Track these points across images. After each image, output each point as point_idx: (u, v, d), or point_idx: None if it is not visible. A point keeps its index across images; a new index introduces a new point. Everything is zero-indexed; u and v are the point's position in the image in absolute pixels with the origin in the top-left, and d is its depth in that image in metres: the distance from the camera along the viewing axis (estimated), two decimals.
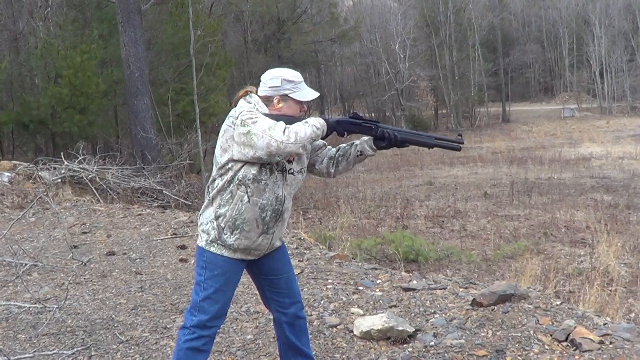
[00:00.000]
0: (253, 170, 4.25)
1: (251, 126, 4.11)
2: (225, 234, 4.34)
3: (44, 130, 25.81)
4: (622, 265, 13.31)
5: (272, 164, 4.27)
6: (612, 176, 26.43)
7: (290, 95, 4.41)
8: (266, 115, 4.30)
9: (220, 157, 4.34)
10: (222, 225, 4.34)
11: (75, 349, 6.07)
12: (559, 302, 6.42)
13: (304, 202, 23.32)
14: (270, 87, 4.41)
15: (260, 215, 4.33)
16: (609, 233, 15.57)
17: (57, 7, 30.28)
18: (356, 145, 4.66)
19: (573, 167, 29.94)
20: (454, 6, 66.29)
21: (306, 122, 4.26)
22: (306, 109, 4.54)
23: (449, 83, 64.22)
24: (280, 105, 4.41)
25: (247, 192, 4.27)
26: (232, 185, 4.29)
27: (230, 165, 4.28)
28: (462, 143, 4.70)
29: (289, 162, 4.41)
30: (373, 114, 67.58)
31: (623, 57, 73.74)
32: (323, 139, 4.53)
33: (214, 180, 4.40)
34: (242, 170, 4.25)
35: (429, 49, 68.02)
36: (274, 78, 4.42)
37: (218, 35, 30.25)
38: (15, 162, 18.61)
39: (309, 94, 4.49)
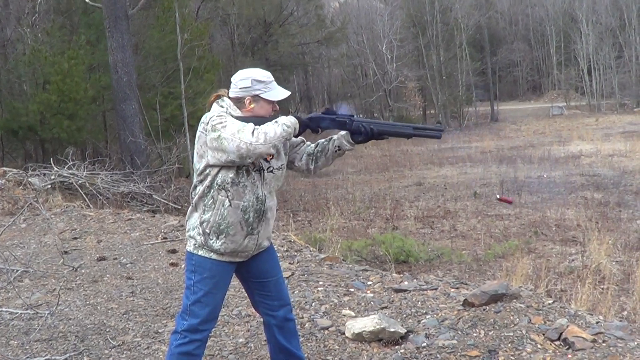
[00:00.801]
0: (230, 174, 4.29)
1: (221, 130, 4.15)
2: (212, 239, 4.37)
3: (33, 136, 25.74)
4: (614, 263, 13.33)
5: (248, 165, 4.30)
6: (602, 174, 26.47)
7: (261, 95, 4.44)
8: (238, 117, 4.34)
9: (197, 163, 4.39)
10: (207, 230, 4.38)
11: (67, 355, 6.08)
12: (550, 301, 6.44)
13: (293, 205, 23.32)
14: (240, 89, 4.45)
15: (244, 218, 4.36)
16: (599, 231, 15.60)
17: (45, 13, 30.23)
18: (334, 140, 4.66)
19: (563, 165, 29.99)
20: (441, 6, 66.40)
21: (276, 121, 4.27)
22: (278, 109, 4.54)
23: (437, 83, 64.29)
24: (252, 105, 4.44)
25: (227, 196, 4.31)
26: (212, 190, 4.34)
27: (207, 170, 4.33)
28: (442, 130, 4.66)
29: (267, 160, 4.43)
30: (361, 115, 67.48)
31: (611, 54, 73.82)
32: (296, 136, 4.54)
33: (195, 186, 4.44)
34: (220, 174, 4.30)
35: (416, 49, 68.13)
36: (244, 79, 4.45)
37: (205, 38, 30.23)
38: (4, 168, 18.57)
39: (280, 93, 4.52)
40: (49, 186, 17.28)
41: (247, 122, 4.23)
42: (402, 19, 68.32)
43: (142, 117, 22.95)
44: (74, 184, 17.45)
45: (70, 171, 17.98)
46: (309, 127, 4.62)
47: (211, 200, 4.35)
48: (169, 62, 28.32)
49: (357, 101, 68.67)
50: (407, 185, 27.68)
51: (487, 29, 79.87)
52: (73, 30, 28.94)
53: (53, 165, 18.23)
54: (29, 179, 17.43)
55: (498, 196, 22.23)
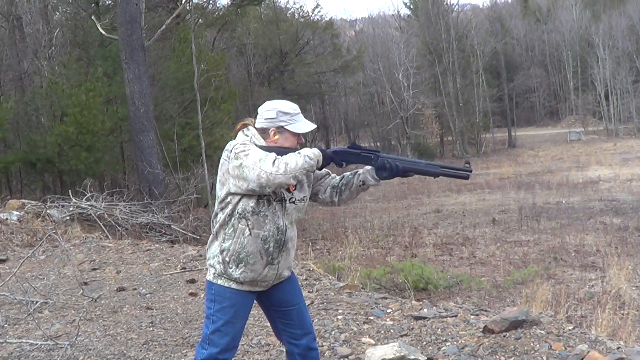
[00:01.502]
0: (251, 203, 4.28)
1: (243, 159, 4.16)
2: (231, 268, 4.36)
3: (51, 168, 25.84)
4: (634, 288, 13.27)
5: (269, 195, 4.29)
6: (620, 199, 26.38)
7: (286, 127, 4.43)
8: (262, 147, 4.32)
9: (219, 190, 4.39)
10: (227, 259, 4.37)
11: None
12: (571, 327, 6.41)
13: (312, 233, 23.31)
14: (266, 119, 4.43)
15: (263, 247, 4.35)
16: (619, 256, 15.54)
17: (61, 46, 30.47)
18: (359, 174, 4.63)
19: (581, 190, 29.90)
20: (457, 33, 66.57)
21: (299, 152, 4.25)
22: (303, 141, 4.52)
23: (454, 110, 64.30)
24: (277, 137, 4.43)
25: (247, 225, 4.30)
26: (233, 218, 4.33)
27: (229, 198, 4.33)
28: (470, 171, 4.60)
29: (289, 191, 4.42)
30: (378, 143, 67.65)
31: (628, 79, 73.68)
32: (320, 169, 4.51)
33: (217, 214, 4.43)
34: (241, 203, 4.30)
35: (433, 76, 68.16)
36: (269, 110, 4.44)
37: (221, 69, 30.35)
38: (23, 200, 18.65)
39: (305, 126, 4.51)
40: (68, 218, 17.33)
41: (270, 152, 4.23)
42: (418, 46, 68.40)
43: (159, 148, 23.03)
44: (93, 215, 17.50)
45: (88, 202, 18.04)
46: (333, 160, 4.57)
47: (232, 229, 4.34)
48: (185, 92, 28.45)
49: (374, 129, 68.75)
50: (425, 212, 27.64)
51: (504, 55, 79.85)
52: (90, 63, 29.12)
53: (71, 196, 18.29)
54: (48, 211, 17.49)
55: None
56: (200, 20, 36.12)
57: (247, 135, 4.45)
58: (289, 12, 60.90)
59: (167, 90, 29.36)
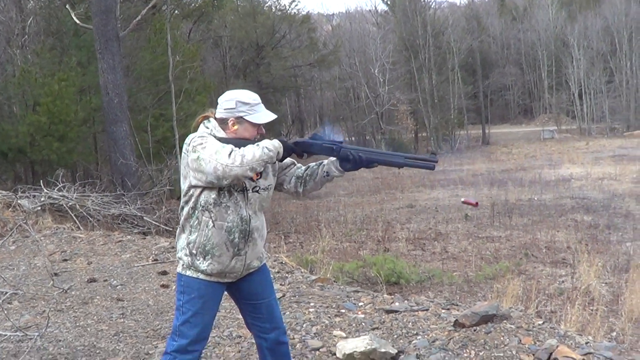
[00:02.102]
0: (213, 195, 4.27)
1: (200, 152, 4.14)
2: (198, 260, 4.35)
3: (22, 158, 25.64)
4: (603, 284, 13.37)
5: (231, 186, 4.27)
6: (592, 197, 26.56)
7: (245, 117, 4.39)
8: (221, 139, 4.30)
9: (182, 184, 4.38)
10: (194, 251, 4.36)
11: None
12: (540, 322, 6.43)
13: (285, 227, 23.31)
14: (225, 110, 4.41)
15: (228, 238, 4.33)
16: (589, 253, 15.63)
17: (35, 35, 30.24)
18: (323, 165, 4.60)
19: (553, 188, 30.04)
20: (433, 30, 66.81)
21: (257, 144, 4.21)
22: (264, 132, 4.49)
23: (429, 106, 64.54)
24: (235, 127, 4.40)
25: (211, 217, 4.29)
26: (197, 211, 4.32)
27: (191, 191, 4.32)
28: (436, 162, 4.51)
29: (252, 180, 4.39)
30: (353, 138, 67.84)
31: (602, 79, 74.28)
32: (280, 160, 4.48)
33: (182, 207, 4.42)
34: (203, 195, 4.28)
35: (409, 72, 68.37)
36: (228, 100, 4.41)
37: (197, 60, 30.24)
38: None
39: (265, 117, 4.45)
40: (39, 208, 17.21)
41: (229, 143, 4.22)
42: (395, 42, 68.59)
43: (133, 139, 22.91)
44: (64, 205, 17.39)
45: (60, 193, 17.93)
46: (294, 151, 4.54)
47: (196, 221, 4.34)
48: (160, 84, 28.31)
49: (349, 124, 68.84)
50: (398, 207, 27.70)
51: (479, 53, 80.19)
52: (63, 52, 28.91)
53: (43, 187, 18.18)
54: (19, 201, 17.36)
55: (463, 199, 22.35)
56: (176, 11, 35.95)
57: (207, 128, 4.43)
58: (266, 5, 60.91)
59: (141, 81, 29.24)
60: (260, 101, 4.47)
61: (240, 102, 4.39)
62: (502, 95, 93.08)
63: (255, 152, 4.12)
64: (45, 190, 17.93)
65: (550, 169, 38.90)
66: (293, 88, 63.02)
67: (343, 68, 68.18)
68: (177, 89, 24.00)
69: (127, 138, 22.05)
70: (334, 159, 4.53)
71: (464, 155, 56.23)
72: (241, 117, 4.39)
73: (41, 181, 18.97)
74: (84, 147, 27.75)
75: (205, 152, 4.12)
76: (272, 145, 4.25)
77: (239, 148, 4.16)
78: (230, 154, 4.08)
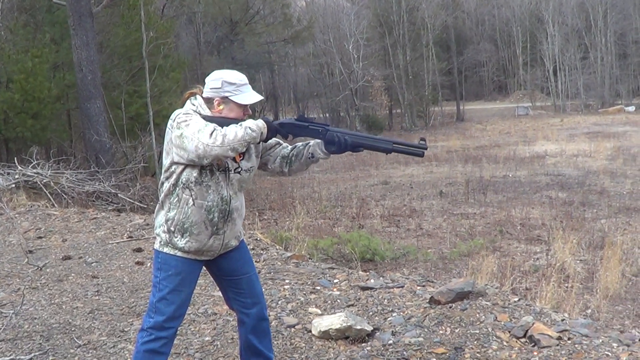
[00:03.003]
0: (194, 173, 4.25)
1: (184, 129, 4.12)
2: (176, 237, 4.35)
3: None
4: (578, 262, 13.45)
5: (212, 165, 4.26)
6: (566, 174, 26.68)
7: (231, 97, 4.36)
8: (205, 117, 4.29)
9: (165, 159, 4.36)
10: (172, 228, 4.35)
11: (32, 354, 6.03)
12: (516, 299, 6.48)
13: (259, 203, 23.29)
14: (211, 89, 4.38)
15: (208, 217, 4.32)
16: (564, 230, 15.71)
17: (8, 11, 29.96)
18: (309, 146, 4.55)
19: (528, 165, 30.18)
20: (407, 5, 66.64)
21: (240, 124, 4.18)
22: (250, 112, 4.46)
23: (403, 82, 64.54)
24: (221, 107, 4.38)
25: (191, 195, 4.28)
26: (177, 188, 4.30)
27: (173, 168, 4.30)
28: (425, 148, 4.42)
29: (235, 161, 4.39)
30: (327, 115, 67.73)
31: (576, 55, 74.49)
32: (265, 141, 4.44)
33: (162, 183, 4.40)
34: (185, 173, 4.26)
35: (383, 48, 68.31)
36: (215, 80, 4.38)
37: (170, 37, 30.10)
38: None
39: (251, 97, 4.41)
40: (13, 185, 17.16)
41: (213, 122, 4.19)
42: (369, 18, 68.41)
43: (107, 116, 22.83)
44: (39, 183, 17.34)
45: (34, 170, 17.87)
46: (279, 132, 4.48)
47: (176, 199, 4.32)
48: (134, 60, 28.16)
49: (323, 100, 68.75)
50: (373, 184, 27.73)
51: (454, 29, 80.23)
52: (37, 28, 28.65)
53: (17, 164, 18.11)
54: None
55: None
56: None
57: (193, 105, 4.40)
58: None
59: (115, 58, 29.06)
60: (247, 82, 4.44)
61: (226, 82, 4.36)
62: (476, 72, 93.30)
63: (237, 132, 4.09)
64: (19, 168, 17.87)
65: (525, 145, 39.04)
66: (267, 64, 62.72)
67: (317, 44, 67.94)
68: (151, 65, 23.89)
69: (101, 115, 21.98)
70: (319, 141, 4.50)
71: (438, 131, 56.40)
72: (227, 97, 4.36)
73: (15, 158, 18.90)
74: (57, 124, 27.59)
75: (189, 130, 4.10)
76: (256, 125, 4.22)
77: (222, 127, 4.13)
78: (212, 133, 4.05)
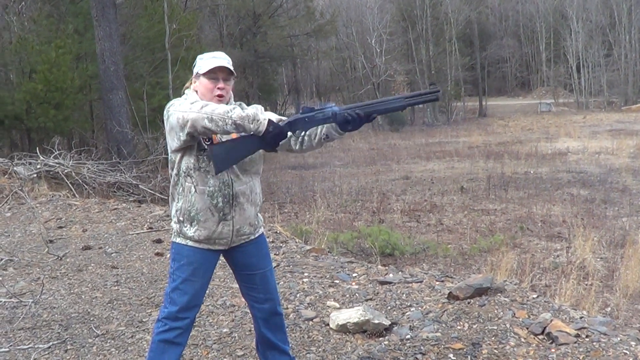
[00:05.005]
0: (192, 160, 4.27)
1: (170, 110, 4.19)
2: (186, 227, 4.37)
3: (19, 125, 25.61)
4: (598, 259, 13.36)
5: (206, 149, 4.25)
6: (588, 171, 26.52)
7: (198, 71, 4.39)
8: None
9: (169, 151, 4.40)
10: (181, 218, 4.38)
11: (51, 343, 6.06)
12: (535, 296, 6.45)
13: (280, 196, 23.28)
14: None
15: (212, 203, 4.32)
16: (585, 227, 15.61)
17: (32, 1, 30.08)
18: (323, 127, 4.40)
19: (549, 161, 30.01)
20: (431, 0, 66.39)
21: (234, 105, 4.13)
22: (223, 86, 4.35)
23: (426, 77, 64.28)
24: (196, 84, 4.41)
25: (193, 182, 4.29)
26: (180, 178, 4.34)
27: (173, 157, 4.34)
28: (438, 91, 4.25)
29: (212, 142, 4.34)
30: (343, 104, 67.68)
31: (600, 52, 73.95)
32: (275, 148, 4.26)
33: (171, 175, 4.44)
34: (184, 161, 4.29)
35: (406, 43, 68.17)
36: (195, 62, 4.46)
37: (193, 29, 30.16)
38: None
39: (207, 64, 4.36)
40: (35, 175, 17.22)
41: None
42: (392, 12, 68.28)
43: (129, 107, 22.90)
44: (60, 173, 17.40)
45: (56, 160, 17.93)
46: (291, 132, 4.32)
47: (181, 188, 4.35)
48: (156, 52, 28.25)
49: (345, 94, 68.60)
50: (394, 178, 27.66)
51: (477, 24, 79.81)
52: (60, 19, 28.76)
53: (39, 154, 18.18)
54: (15, 168, 17.37)
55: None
56: None
57: (183, 93, 4.46)
58: None
59: (137, 49, 29.15)
60: (218, 57, 4.41)
61: (199, 59, 4.43)
62: (499, 68, 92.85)
63: (219, 107, 4.05)
64: (41, 158, 17.94)
65: (547, 142, 38.85)
66: (289, 58, 62.68)
67: (340, 38, 67.88)
68: (173, 57, 23.96)
69: (123, 106, 22.05)
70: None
71: (461, 127, 56.16)
72: (197, 72, 4.40)
73: (37, 148, 18.97)
74: (80, 115, 27.72)
75: (173, 108, 4.17)
76: (253, 111, 4.10)
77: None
78: (193, 102, 4.10)
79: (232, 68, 4.39)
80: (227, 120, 4.01)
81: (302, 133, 4.47)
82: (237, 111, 4.02)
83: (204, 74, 4.35)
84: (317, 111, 4.30)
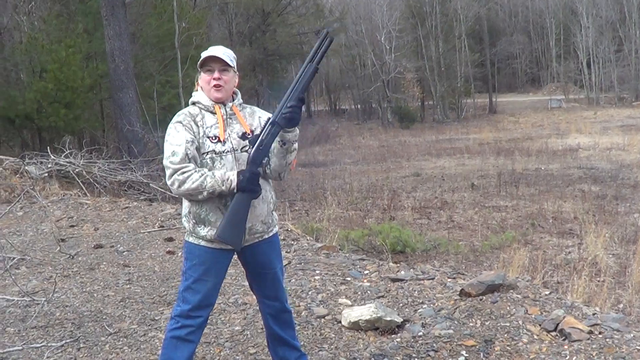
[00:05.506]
0: (199, 159, 4.30)
1: (165, 142, 4.30)
2: (199, 227, 4.36)
3: (30, 124, 25.64)
4: (610, 255, 13.33)
5: (214, 150, 4.30)
6: (599, 167, 26.46)
7: (198, 67, 4.44)
8: (198, 102, 4.44)
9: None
10: (193, 219, 4.37)
11: (63, 342, 6.07)
12: (547, 292, 6.45)
13: (290, 194, 23.30)
14: None
15: (221, 202, 4.30)
16: (596, 224, 15.59)
17: (41, 1, 30.14)
18: (277, 139, 4.37)
19: (560, 158, 29.97)
20: None
21: (206, 175, 4.20)
22: (218, 77, 4.35)
23: (435, 74, 64.26)
24: (199, 80, 4.46)
25: None
26: None
27: None
28: (327, 31, 4.41)
29: (243, 138, 4.35)
30: (359, 106, 67.70)
31: (610, 48, 73.75)
32: (255, 189, 4.26)
33: None
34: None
35: (415, 40, 68.03)
36: None
37: (203, 27, 30.21)
38: (1, 156, 18.52)
39: (203, 57, 4.39)
40: (46, 174, 17.26)
41: (199, 100, 4.41)
42: (401, 9, 68.12)
43: (139, 106, 22.92)
44: (71, 172, 17.42)
45: (67, 159, 17.96)
46: (257, 167, 4.29)
47: None
48: (166, 50, 28.27)
49: (355, 92, 68.69)
50: (404, 176, 27.65)
51: (487, 21, 79.71)
52: (70, 18, 28.80)
53: (50, 153, 18.20)
54: (26, 168, 17.40)
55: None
56: None
57: (192, 96, 4.50)
58: None
59: (147, 48, 29.19)
60: (213, 49, 4.44)
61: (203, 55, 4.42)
62: (509, 64, 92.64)
63: (192, 182, 4.18)
64: (52, 157, 17.96)
65: (558, 138, 38.78)
66: (299, 55, 62.66)
67: (349, 35, 67.81)
68: (183, 56, 23.98)
69: (134, 105, 22.09)
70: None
71: (471, 123, 56.14)
72: (198, 69, 4.46)
73: (48, 148, 18.98)
74: (90, 114, 27.78)
75: (165, 148, 4.25)
76: (219, 176, 4.21)
77: (187, 169, 4.19)
78: (173, 174, 4.19)
79: (226, 59, 4.37)
80: (202, 192, 4.19)
81: (267, 159, 4.44)
82: (202, 181, 4.16)
83: (201, 68, 4.41)
84: (261, 133, 4.29)
